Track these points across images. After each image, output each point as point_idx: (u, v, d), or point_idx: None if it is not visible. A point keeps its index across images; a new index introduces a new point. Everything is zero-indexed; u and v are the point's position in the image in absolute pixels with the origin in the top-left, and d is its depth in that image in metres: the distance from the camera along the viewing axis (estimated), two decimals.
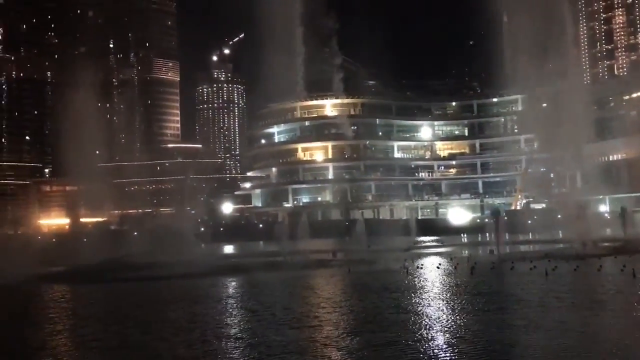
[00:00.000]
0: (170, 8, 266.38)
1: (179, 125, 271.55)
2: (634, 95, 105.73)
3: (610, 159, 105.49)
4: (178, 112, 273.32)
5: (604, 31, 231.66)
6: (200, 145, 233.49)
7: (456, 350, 13.97)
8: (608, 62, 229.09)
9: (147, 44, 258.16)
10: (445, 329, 16.62)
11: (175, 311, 22.05)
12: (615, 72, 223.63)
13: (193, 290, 28.24)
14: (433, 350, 14.13)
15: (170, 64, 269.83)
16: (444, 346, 14.58)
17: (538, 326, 16.46)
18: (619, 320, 17.62)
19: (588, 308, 19.41)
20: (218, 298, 25.76)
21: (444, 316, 18.56)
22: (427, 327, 16.95)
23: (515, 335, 15.66)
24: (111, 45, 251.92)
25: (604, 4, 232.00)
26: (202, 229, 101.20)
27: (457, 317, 18.28)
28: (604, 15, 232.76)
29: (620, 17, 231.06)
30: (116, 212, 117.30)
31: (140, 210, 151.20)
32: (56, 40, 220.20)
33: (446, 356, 13.56)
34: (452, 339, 15.22)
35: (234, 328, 18.66)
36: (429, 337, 15.53)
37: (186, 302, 24.51)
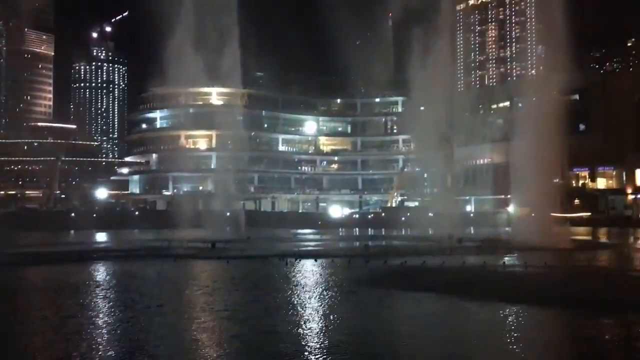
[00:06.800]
0: None
1: (51, 103, 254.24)
2: (501, 104, 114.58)
3: (478, 163, 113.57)
4: (51, 89, 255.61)
5: (477, 43, 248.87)
6: (74, 126, 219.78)
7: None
8: (480, 72, 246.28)
9: (19, 13, 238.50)
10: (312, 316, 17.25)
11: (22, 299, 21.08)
12: (486, 82, 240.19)
13: (55, 278, 26.85)
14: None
15: (45, 37, 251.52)
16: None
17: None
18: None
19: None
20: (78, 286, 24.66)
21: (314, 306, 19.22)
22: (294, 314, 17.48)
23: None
24: None
25: (479, 17, 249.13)
26: (73, 214, 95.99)
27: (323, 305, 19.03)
28: (478, 28, 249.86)
29: (493, 31, 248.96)
30: None
31: (3, 192, 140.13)
32: None
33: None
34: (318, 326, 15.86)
35: (78, 310, 18.48)
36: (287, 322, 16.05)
37: (42, 290, 23.41)
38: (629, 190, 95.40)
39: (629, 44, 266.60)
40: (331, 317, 17.34)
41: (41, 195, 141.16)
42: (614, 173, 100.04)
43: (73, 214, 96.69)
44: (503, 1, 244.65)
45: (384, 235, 66.68)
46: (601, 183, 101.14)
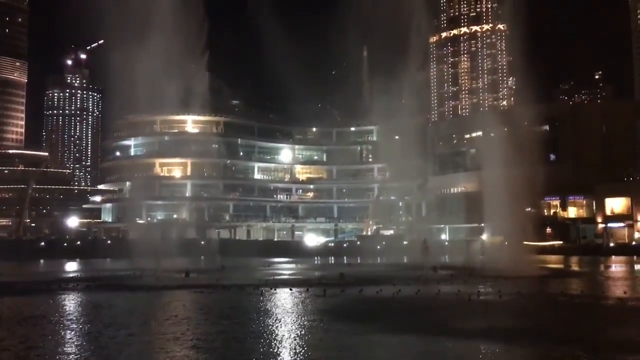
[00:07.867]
0: (22, 4, 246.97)
1: (23, 130, 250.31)
2: (474, 134, 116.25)
3: (452, 192, 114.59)
4: (23, 116, 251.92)
5: (450, 74, 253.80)
6: (46, 154, 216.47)
7: None
8: (453, 103, 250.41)
9: None
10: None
11: None
12: (459, 112, 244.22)
13: (20, 308, 26.07)
14: None
15: (18, 64, 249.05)
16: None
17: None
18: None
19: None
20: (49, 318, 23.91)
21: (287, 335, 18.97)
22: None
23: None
24: None
25: (451, 49, 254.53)
26: (43, 243, 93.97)
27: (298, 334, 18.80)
28: (451, 60, 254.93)
29: (465, 62, 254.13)
30: None
31: None
32: None
33: None
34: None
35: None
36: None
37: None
38: (599, 219, 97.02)
39: (596, 77, 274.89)
40: (300, 347, 17.10)
41: (10, 223, 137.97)
42: (584, 202, 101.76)
43: (43, 243, 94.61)
44: (475, 34, 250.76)
45: (359, 264, 66.46)
46: (572, 212, 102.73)
